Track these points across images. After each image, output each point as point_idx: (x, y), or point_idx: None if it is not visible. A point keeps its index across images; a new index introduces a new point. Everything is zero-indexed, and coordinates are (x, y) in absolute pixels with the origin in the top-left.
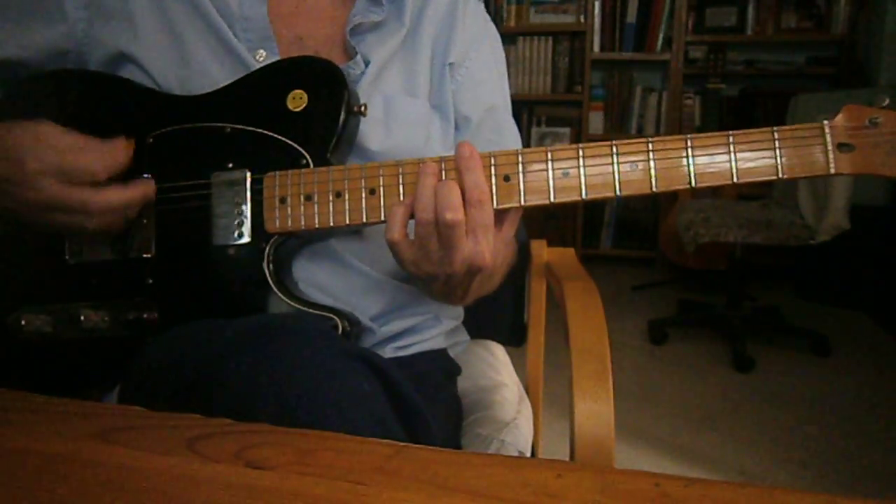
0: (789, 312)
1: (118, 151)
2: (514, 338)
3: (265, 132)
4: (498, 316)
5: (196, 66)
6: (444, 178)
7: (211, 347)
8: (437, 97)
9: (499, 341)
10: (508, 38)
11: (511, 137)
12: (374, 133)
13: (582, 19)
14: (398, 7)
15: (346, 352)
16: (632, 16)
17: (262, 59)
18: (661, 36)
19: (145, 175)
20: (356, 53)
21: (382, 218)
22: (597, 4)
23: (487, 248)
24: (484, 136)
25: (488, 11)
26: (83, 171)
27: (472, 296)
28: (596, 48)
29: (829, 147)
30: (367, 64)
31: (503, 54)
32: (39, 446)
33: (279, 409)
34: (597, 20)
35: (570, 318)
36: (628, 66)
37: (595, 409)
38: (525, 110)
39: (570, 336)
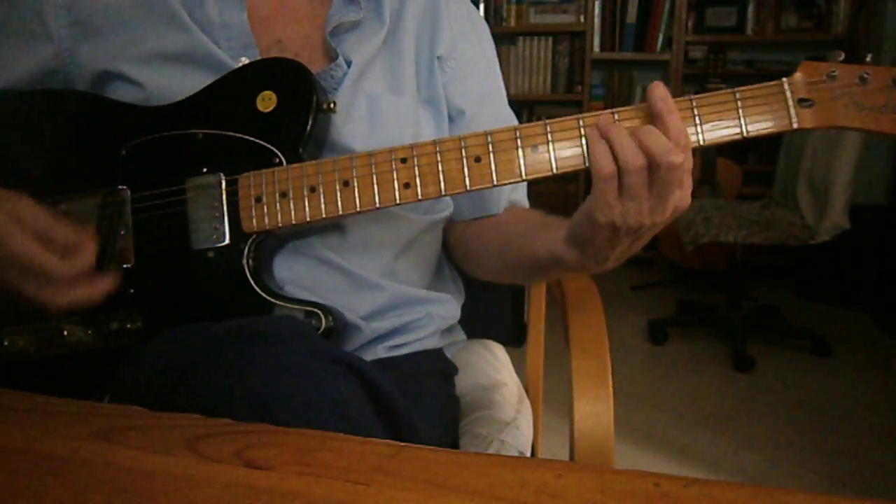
0: (789, 312)
1: (86, 250)
2: (514, 338)
3: (237, 135)
4: (498, 316)
5: (180, 79)
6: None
7: (189, 353)
8: (427, 91)
9: (499, 341)
10: (508, 38)
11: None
12: (358, 133)
13: (582, 19)
14: (376, 5)
15: (322, 354)
16: (632, 16)
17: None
18: (661, 36)
19: (120, 186)
20: (337, 55)
21: (358, 208)
22: (597, 4)
23: (690, 189)
24: (482, 125)
25: (488, 11)
26: (42, 272)
27: (636, 251)
28: (596, 48)
29: (790, 103)
30: (348, 65)
31: (492, 44)
32: (39, 446)
33: (252, 414)
34: (597, 20)
35: (570, 318)
36: (628, 66)
37: (595, 409)
38: (525, 110)
39: (570, 336)
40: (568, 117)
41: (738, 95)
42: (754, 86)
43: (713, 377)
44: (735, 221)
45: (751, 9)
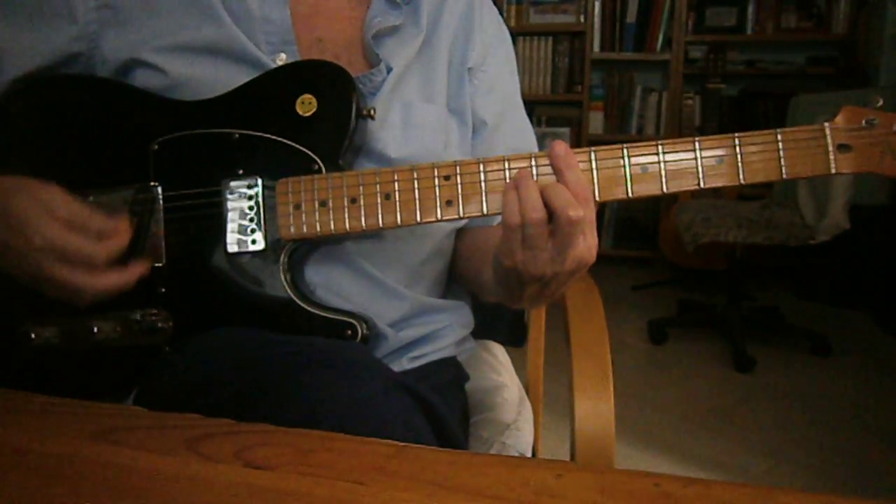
0: (789, 312)
1: (119, 235)
2: (514, 338)
3: (275, 138)
4: (498, 316)
5: (212, 73)
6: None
7: (256, 372)
8: (455, 101)
9: (499, 342)
10: None
11: (529, 138)
12: (393, 140)
13: (582, 19)
14: (414, 10)
15: (390, 382)
16: (632, 16)
17: (282, 62)
18: (661, 36)
19: (151, 183)
20: (379, 60)
21: (399, 222)
22: (597, 4)
23: (594, 243)
24: (503, 139)
25: None
26: (82, 257)
27: (552, 298)
28: (596, 48)
29: (830, 148)
30: (388, 70)
31: (514, 55)
32: (39, 446)
33: None
34: (597, 20)
35: (570, 318)
36: (628, 66)
37: (595, 409)
38: (525, 110)
39: (570, 336)
40: (614, 146)
41: (779, 137)
42: (796, 128)
43: (713, 377)
44: (735, 221)
45: (751, 9)
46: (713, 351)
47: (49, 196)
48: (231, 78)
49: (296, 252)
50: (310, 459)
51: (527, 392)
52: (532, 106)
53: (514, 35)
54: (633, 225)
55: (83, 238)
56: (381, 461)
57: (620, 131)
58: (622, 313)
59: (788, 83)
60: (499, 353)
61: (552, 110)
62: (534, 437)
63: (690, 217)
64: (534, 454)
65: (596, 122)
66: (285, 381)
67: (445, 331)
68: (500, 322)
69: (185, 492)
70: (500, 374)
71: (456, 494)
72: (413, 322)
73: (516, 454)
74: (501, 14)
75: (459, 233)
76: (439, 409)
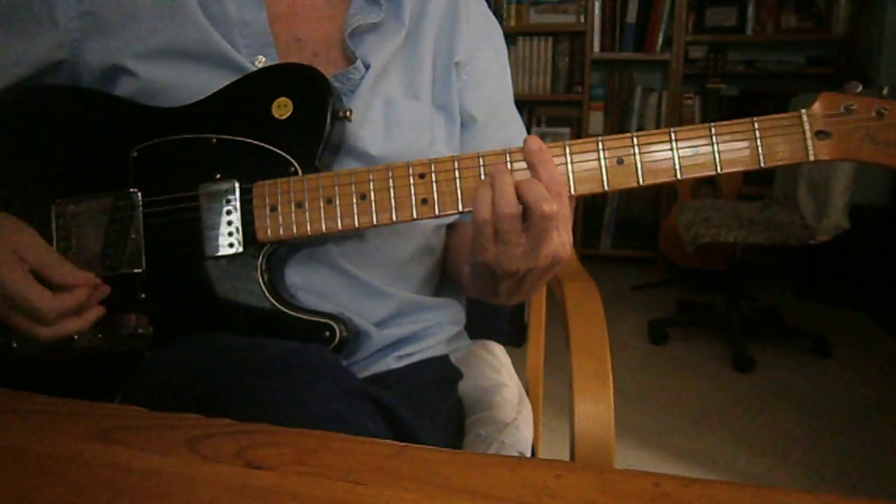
0: (789, 312)
1: (80, 289)
2: (514, 338)
3: (252, 141)
4: (498, 316)
5: (192, 77)
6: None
7: (213, 376)
8: (442, 97)
9: (499, 341)
10: (508, 38)
11: (519, 132)
12: (374, 137)
13: (582, 19)
14: (396, 6)
15: (349, 389)
16: (632, 16)
17: (261, 64)
18: (661, 36)
19: (131, 189)
20: (356, 58)
21: (374, 222)
22: (597, 4)
23: (568, 239)
24: (492, 134)
25: None
26: (32, 312)
27: (529, 293)
28: (596, 48)
29: (808, 135)
30: (367, 67)
31: (505, 48)
32: (39, 446)
33: None
34: (597, 20)
35: (570, 318)
36: (628, 66)
37: (595, 409)
38: (525, 110)
39: (570, 336)
40: (588, 139)
41: (756, 125)
42: (773, 116)
43: (713, 377)
44: (735, 221)
45: (751, 9)
46: (713, 351)
47: (20, 241)
48: (211, 82)
49: (274, 254)
50: (310, 459)
51: (526, 392)
52: (532, 106)
53: (514, 35)
54: (633, 225)
55: (39, 292)
56: (381, 461)
57: (621, 131)
58: (622, 313)
59: (788, 83)
60: (498, 352)
61: (552, 110)
62: (533, 436)
63: (690, 217)
64: (533, 454)
65: (596, 122)
66: (238, 387)
67: (434, 329)
68: (499, 322)
69: (185, 492)
70: (499, 373)
71: (456, 494)
72: (399, 320)
73: (515, 453)
74: (501, 14)
75: (449, 229)
76: (398, 411)
